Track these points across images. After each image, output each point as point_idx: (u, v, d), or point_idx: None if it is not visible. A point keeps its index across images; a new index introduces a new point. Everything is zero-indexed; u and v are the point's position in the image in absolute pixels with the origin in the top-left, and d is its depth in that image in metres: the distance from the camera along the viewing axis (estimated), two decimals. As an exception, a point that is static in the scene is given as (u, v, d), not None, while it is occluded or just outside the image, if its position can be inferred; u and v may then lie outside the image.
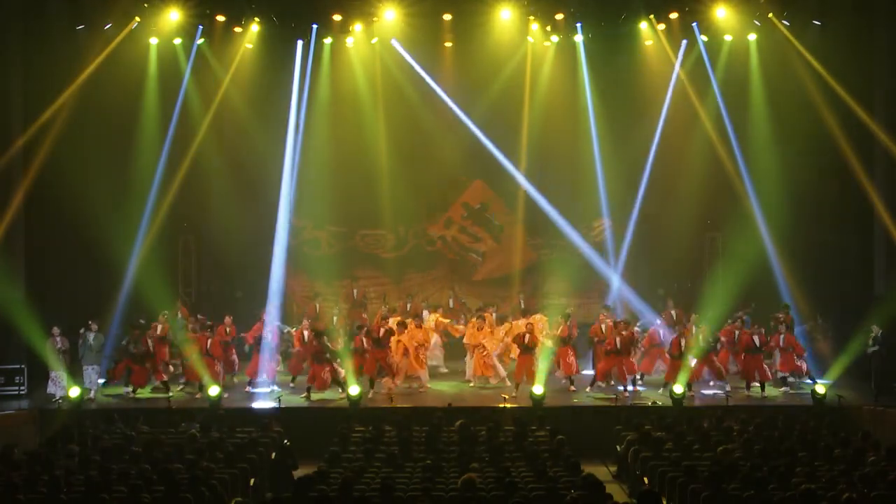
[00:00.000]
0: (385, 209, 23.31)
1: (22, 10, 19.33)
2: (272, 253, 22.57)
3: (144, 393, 18.34)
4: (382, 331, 18.19)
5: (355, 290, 21.71)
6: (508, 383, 18.79)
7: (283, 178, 22.39)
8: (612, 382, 18.55)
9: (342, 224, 23.80)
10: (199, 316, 20.32)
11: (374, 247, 23.97)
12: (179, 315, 20.32)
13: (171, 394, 18.14)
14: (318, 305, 21.70)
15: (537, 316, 19.80)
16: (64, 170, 19.06)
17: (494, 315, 19.89)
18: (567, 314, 19.59)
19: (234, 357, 19.42)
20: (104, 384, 18.45)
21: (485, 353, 18.91)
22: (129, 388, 18.28)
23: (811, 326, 20.17)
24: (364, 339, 18.19)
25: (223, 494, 11.48)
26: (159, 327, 18.82)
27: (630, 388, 18.28)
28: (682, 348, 17.99)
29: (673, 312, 20.49)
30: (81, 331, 18.37)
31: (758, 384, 18.07)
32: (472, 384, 19.13)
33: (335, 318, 20.70)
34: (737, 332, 18.66)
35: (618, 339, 18.18)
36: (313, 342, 18.06)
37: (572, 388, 18.62)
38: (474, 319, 19.52)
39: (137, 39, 21.05)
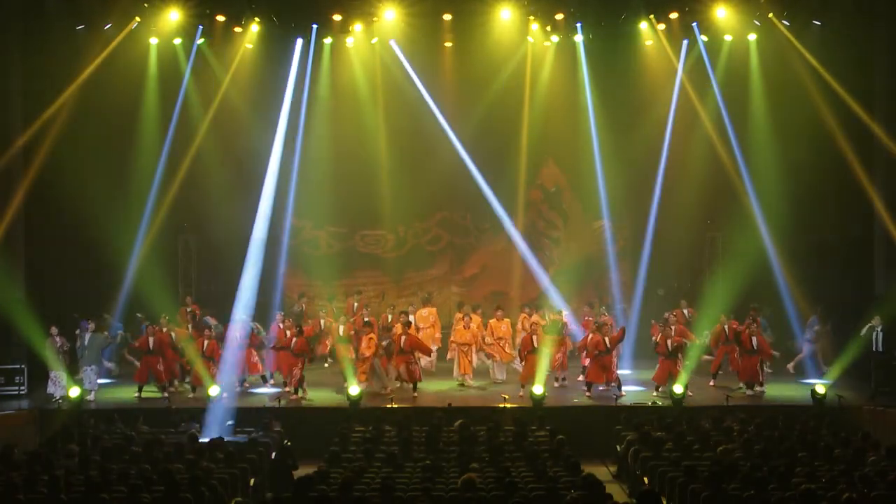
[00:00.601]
0: (385, 209, 23.31)
1: (22, 10, 19.35)
2: (272, 253, 22.59)
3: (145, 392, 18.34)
4: (405, 339, 18.08)
5: (355, 304, 21.59)
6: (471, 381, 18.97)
7: (282, 176, 22.44)
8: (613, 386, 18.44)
9: (342, 224, 23.76)
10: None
11: (374, 247, 23.96)
12: (190, 311, 20.24)
13: (166, 394, 18.12)
14: (354, 303, 21.44)
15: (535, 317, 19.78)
16: (64, 170, 19.08)
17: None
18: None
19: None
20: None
21: (468, 350, 18.89)
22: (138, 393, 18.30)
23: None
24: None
25: (223, 494, 11.48)
26: (158, 328, 18.70)
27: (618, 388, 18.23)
28: (670, 348, 18.02)
29: (686, 311, 20.47)
30: (77, 332, 18.32)
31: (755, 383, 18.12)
32: (460, 383, 19.08)
33: (322, 322, 20.69)
34: (725, 328, 18.76)
35: (607, 340, 18.11)
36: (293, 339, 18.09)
37: (556, 384, 18.80)
38: (461, 316, 19.57)
39: (137, 39, 21.05)
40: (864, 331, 18.15)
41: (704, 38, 21.77)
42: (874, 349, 18.03)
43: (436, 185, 23.35)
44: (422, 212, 23.83)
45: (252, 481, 12.87)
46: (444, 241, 24.09)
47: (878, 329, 17.99)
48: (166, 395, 18.06)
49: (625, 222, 23.60)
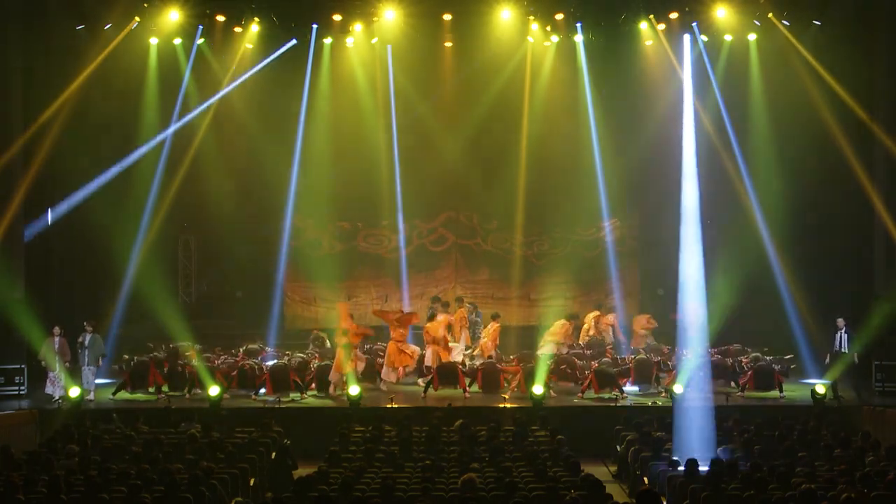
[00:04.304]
0: (388, 209, 23.30)
1: (22, 10, 19.33)
2: (272, 253, 22.60)
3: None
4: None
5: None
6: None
7: (282, 176, 22.46)
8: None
9: (345, 225, 23.69)
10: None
11: (378, 248, 23.89)
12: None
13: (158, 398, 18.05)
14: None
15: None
16: (64, 170, 19.05)
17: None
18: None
19: None
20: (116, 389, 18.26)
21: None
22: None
23: None
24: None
25: (223, 494, 11.48)
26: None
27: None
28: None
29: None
30: (80, 339, 18.24)
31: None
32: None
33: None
34: None
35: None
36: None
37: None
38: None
39: (137, 39, 21.06)
40: (838, 341, 17.96)
41: (704, 38, 21.76)
42: (839, 349, 17.90)
43: (439, 186, 23.35)
44: (426, 212, 23.79)
45: (252, 481, 12.87)
46: (450, 241, 24.05)
47: (843, 330, 17.93)
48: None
49: (631, 222, 23.58)
